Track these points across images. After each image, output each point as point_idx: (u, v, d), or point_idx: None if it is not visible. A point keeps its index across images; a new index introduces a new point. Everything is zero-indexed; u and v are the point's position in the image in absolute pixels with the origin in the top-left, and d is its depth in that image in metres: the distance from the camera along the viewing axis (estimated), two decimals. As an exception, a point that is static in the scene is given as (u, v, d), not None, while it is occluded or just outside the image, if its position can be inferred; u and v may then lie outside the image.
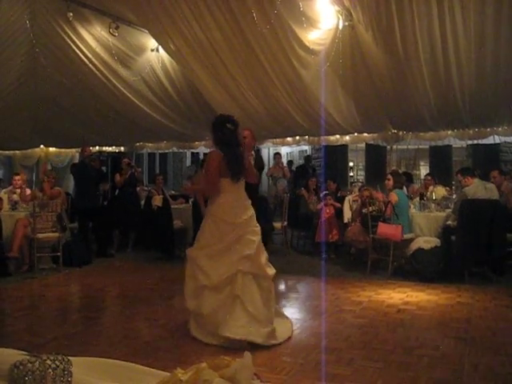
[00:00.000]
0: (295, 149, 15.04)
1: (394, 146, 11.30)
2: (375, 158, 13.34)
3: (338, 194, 9.59)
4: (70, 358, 1.25)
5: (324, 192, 9.32)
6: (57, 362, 1.25)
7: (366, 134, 10.20)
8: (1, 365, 1.11)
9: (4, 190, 9.45)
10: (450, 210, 7.56)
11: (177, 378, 0.98)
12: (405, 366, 3.84)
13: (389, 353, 4.13)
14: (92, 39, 9.06)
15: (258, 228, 4.68)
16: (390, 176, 7.77)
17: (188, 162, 15.70)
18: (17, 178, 9.32)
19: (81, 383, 1.25)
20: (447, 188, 8.67)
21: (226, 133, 4.63)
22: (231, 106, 9.04)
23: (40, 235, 7.70)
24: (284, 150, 15.64)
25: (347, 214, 8.53)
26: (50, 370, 1.19)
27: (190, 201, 8.52)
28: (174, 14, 7.64)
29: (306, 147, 14.40)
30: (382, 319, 5.13)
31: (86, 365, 1.29)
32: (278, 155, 12.41)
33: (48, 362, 1.23)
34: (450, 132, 9.66)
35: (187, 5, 7.41)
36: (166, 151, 14.24)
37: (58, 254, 7.80)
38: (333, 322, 5.06)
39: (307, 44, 7.47)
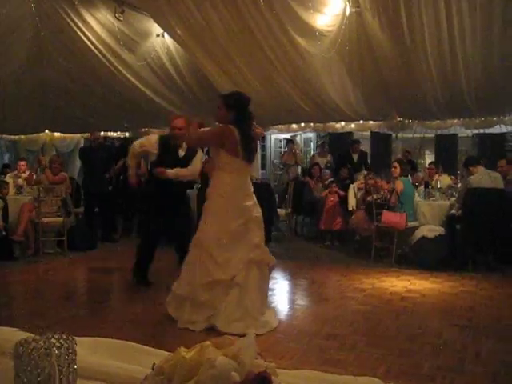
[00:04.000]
0: (300, 136, 14.95)
1: (400, 135, 11.29)
2: (380, 146, 13.28)
3: (348, 181, 9.42)
4: (74, 337, 1.25)
5: (329, 179, 9.30)
6: (61, 340, 1.25)
7: (371, 122, 10.17)
8: (6, 343, 1.12)
9: (9, 175, 9.47)
10: (454, 199, 7.55)
11: (180, 355, 0.99)
12: (407, 352, 3.85)
13: (392, 340, 4.15)
14: (97, 24, 9.03)
15: (261, 214, 4.62)
16: (396, 164, 7.74)
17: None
18: (21, 162, 9.34)
19: (85, 362, 1.26)
20: (452, 177, 8.64)
21: (247, 113, 4.52)
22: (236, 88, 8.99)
23: (45, 219, 7.73)
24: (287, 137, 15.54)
25: (352, 202, 8.52)
26: (54, 349, 1.19)
27: (195, 186, 8.51)
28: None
29: (310, 134, 14.34)
30: (385, 306, 5.14)
31: (90, 344, 1.30)
32: (291, 142, 12.08)
33: (53, 340, 1.23)
34: (455, 121, 9.63)
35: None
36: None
37: (63, 238, 7.83)
38: (336, 308, 5.08)
39: (313, 30, 7.42)
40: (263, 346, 3.86)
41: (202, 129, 4.84)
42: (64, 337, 1.26)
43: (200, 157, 6.04)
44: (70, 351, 1.20)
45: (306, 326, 4.53)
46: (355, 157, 10.26)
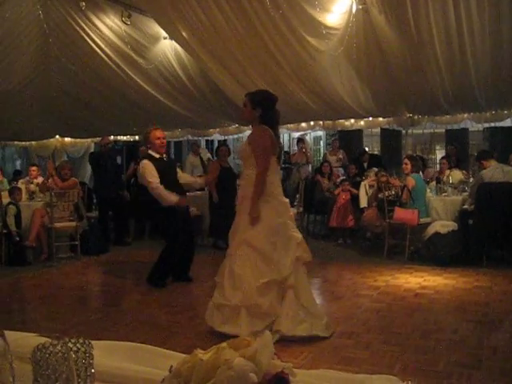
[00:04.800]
0: (310, 134, 14.92)
1: (410, 131, 11.24)
2: (390, 142, 13.25)
3: (357, 179, 9.40)
4: (91, 341, 1.26)
5: (341, 177, 9.28)
6: (78, 344, 1.26)
7: (381, 119, 10.13)
8: (24, 348, 1.13)
9: (21, 181, 9.55)
10: (466, 194, 7.50)
11: (197, 357, 0.99)
12: (423, 349, 3.83)
13: (407, 337, 4.13)
14: (105, 28, 9.06)
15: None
16: (407, 160, 7.72)
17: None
18: (33, 168, 9.41)
19: (102, 365, 1.26)
20: (464, 172, 8.59)
21: (274, 112, 4.49)
22: (242, 93, 9.00)
23: (57, 224, 7.77)
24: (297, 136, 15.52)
25: (363, 199, 8.49)
26: (71, 353, 1.20)
27: (206, 188, 8.52)
28: (178, 2, 7.63)
29: (320, 132, 14.33)
30: (399, 303, 5.12)
31: (106, 348, 1.30)
32: (301, 141, 12.02)
33: (70, 344, 1.23)
34: (466, 115, 9.56)
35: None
36: (181, 139, 14.27)
37: (76, 242, 7.87)
38: (350, 306, 5.07)
39: (320, 28, 7.40)
40: (278, 345, 3.86)
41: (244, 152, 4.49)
42: (81, 341, 1.27)
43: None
44: (87, 355, 1.21)
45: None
46: (366, 165, 10.27)
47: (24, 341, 1.18)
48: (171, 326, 4.56)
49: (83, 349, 1.23)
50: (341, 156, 10.70)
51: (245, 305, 4.03)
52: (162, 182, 5.77)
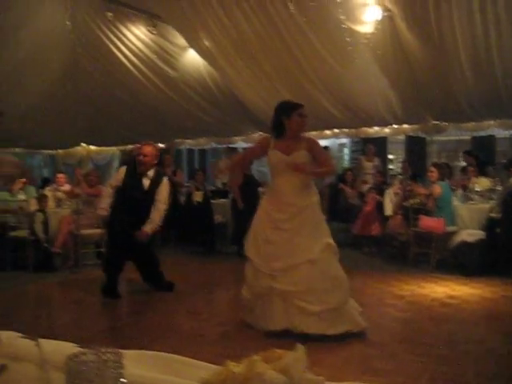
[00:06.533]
0: (334, 142, 14.84)
1: (435, 138, 11.12)
2: (415, 149, 13.11)
3: (383, 186, 9.33)
4: (120, 350, 1.27)
5: (367, 186, 9.22)
6: (108, 354, 1.27)
7: (405, 126, 10.05)
8: (57, 356, 1.15)
9: (48, 188, 9.69)
10: (494, 202, 7.38)
11: (229, 370, 0.99)
12: (450, 360, 3.78)
13: (433, 347, 4.07)
14: (131, 38, 9.21)
15: None
16: (433, 168, 7.64)
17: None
18: (60, 175, 9.55)
19: (131, 375, 1.28)
20: (491, 179, 8.46)
21: None
22: (264, 102, 9.11)
23: (84, 231, 7.86)
24: (322, 144, 15.45)
25: (388, 207, 8.43)
26: (102, 362, 1.21)
27: (230, 196, 8.56)
28: (202, 11, 7.73)
29: (344, 140, 14.25)
30: (425, 313, 5.06)
31: (135, 357, 1.31)
32: (326, 150, 11.95)
33: (100, 354, 1.25)
34: (492, 122, 9.42)
35: (217, 0, 7.49)
36: (205, 147, 14.35)
37: (102, 249, 7.95)
38: (376, 315, 5.02)
39: (347, 35, 7.41)
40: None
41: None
42: (110, 350, 1.28)
43: (166, 185, 6.00)
44: (118, 364, 1.22)
45: (346, 334, 4.48)
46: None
47: (57, 349, 1.20)
48: (197, 334, 4.57)
49: (113, 358, 1.24)
50: (376, 163, 10.57)
51: (344, 303, 4.37)
52: None
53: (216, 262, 8.22)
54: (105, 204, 6.04)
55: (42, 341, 1.05)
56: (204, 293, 6.22)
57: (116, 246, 5.98)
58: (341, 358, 3.85)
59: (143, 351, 1.32)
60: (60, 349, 1.18)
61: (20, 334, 1.28)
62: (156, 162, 6.00)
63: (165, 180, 5.98)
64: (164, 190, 5.90)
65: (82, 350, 1.14)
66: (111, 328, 4.88)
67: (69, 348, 1.19)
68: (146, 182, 5.84)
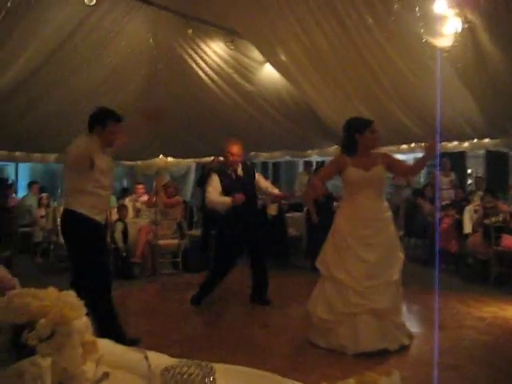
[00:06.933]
0: (410, 156, 14.53)
1: (518, 152, 10.65)
2: (496, 164, 12.60)
3: (463, 203, 9.05)
4: (212, 364, 1.32)
5: (445, 202, 8.96)
6: (201, 367, 1.32)
7: (486, 140, 9.69)
8: (155, 368, 1.20)
9: (128, 198, 10.07)
10: None
11: (326, 392, 1.01)
12: (536, 388, 3.60)
13: (517, 374, 3.90)
14: (210, 53, 9.46)
15: None
16: (516, 185, 7.35)
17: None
18: (139, 186, 9.91)
19: (222, 389, 1.31)
20: None
21: None
22: (339, 116, 9.06)
23: (161, 242, 8.10)
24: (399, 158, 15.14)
25: (467, 224, 8.14)
26: (196, 376, 1.26)
27: (305, 209, 8.57)
28: (279, 26, 7.83)
29: (420, 155, 13.91)
30: (509, 337, 4.84)
31: (226, 372, 1.35)
32: None
33: (193, 367, 1.30)
34: None
35: (294, 16, 7.55)
36: (279, 160, 14.43)
37: (178, 259, 8.16)
38: (454, 337, 4.85)
39: (425, 49, 7.29)
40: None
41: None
42: (203, 364, 1.33)
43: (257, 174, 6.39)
44: (211, 379, 1.27)
45: (423, 355, 4.37)
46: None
47: (155, 361, 1.26)
48: (270, 348, 4.59)
49: (206, 372, 1.29)
50: (453, 178, 10.24)
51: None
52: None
53: (289, 276, 8.22)
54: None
55: (148, 353, 1.10)
56: (277, 306, 6.23)
57: (230, 250, 6.13)
58: (417, 381, 3.75)
59: (232, 366, 1.35)
60: (157, 360, 1.23)
61: (118, 345, 1.35)
62: (242, 158, 6.30)
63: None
64: (260, 177, 6.35)
65: (178, 362, 1.19)
66: (186, 338, 4.98)
67: (165, 360, 1.24)
68: (241, 178, 6.14)
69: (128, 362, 1.26)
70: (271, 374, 1.37)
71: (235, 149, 6.10)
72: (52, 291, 1.54)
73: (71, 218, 4.36)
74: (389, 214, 4.67)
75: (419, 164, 4.99)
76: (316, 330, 4.64)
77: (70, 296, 1.52)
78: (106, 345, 1.42)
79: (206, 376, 1.31)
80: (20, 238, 10.40)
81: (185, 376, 1.25)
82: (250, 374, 1.33)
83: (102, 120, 4.43)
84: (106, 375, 1.23)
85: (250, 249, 6.25)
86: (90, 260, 4.36)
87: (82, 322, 1.49)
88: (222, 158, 6.23)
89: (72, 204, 4.34)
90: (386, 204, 4.70)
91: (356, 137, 4.59)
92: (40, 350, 1.34)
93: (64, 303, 1.46)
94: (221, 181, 5.99)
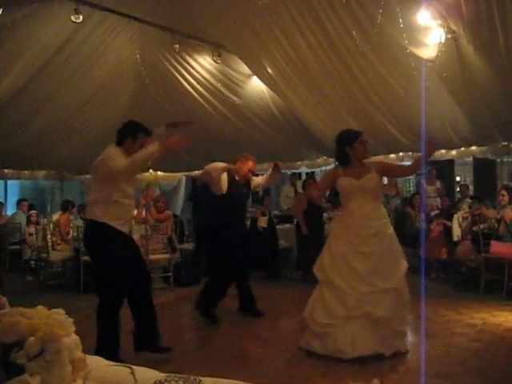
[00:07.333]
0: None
1: (505, 159, 10.78)
2: (484, 172, 12.72)
3: (451, 211, 9.14)
4: (200, 377, 1.34)
5: (435, 212, 9.03)
6: (189, 382, 1.33)
7: (473, 148, 9.80)
8: (144, 382, 1.22)
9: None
10: None
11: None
12: (527, 394, 3.63)
13: (509, 380, 3.92)
14: (197, 67, 9.53)
15: None
16: (504, 191, 7.44)
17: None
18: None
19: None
20: None
21: None
22: (327, 127, 9.17)
23: (152, 257, 8.08)
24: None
25: (456, 232, 8.20)
26: (184, 390, 1.27)
27: (295, 221, 8.60)
28: (265, 39, 7.92)
29: (408, 163, 14.02)
30: (499, 344, 4.86)
31: (213, 384, 1.36)
32: None
33: (181, 381, 1.31)
34: None
35: (279, 29, 7.65)
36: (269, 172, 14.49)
37: (169, 274, 8.14)
38: (445, 345, 4.87)
39: (410, 60, 7.39)
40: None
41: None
42: (191, 378, 1.34)
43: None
44: (198, 393, 1.28)
45: (414, 364, 4.37)
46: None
47: (144, 376, 1.27)
48: (264, 360, 4.58)
49: (194, 386, 1.30)
50: (439, 186, 10.33)
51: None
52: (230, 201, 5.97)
53: (281, 288, 8.23)
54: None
55: (135, 368, 1.12)
56: (269, 318, 6.23)
57: (236, 253, 6.08)
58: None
59: (220, 379, 1.36)
60: (146, 375, 1.25)
61: (107, 361, 1.36)
62: None
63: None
64: (252, 179, 6.37)
65: (166, 377, 1.20)
66: (180, 352, 4.95)
67: (153, 375, 1.25)
68: (245, 188, 6.21)
69: (115, 377, 1.27)
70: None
71: (252, 165, 6.23)
72: (41, 309, 1.56)
73: (97, 229, 4.34)
74: (384, 221, 4.71)
75: (417, 162, 5.04)
76: (312, 335, 4.65)
77: (59, 314, 1.53)
78: (93, 361, 1.43)
79: (194, 390, 1.31)
80: (10, 256, 10.35)
81: (174, 390, 1.26)
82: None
83: (133, 132, 4.49)
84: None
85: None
86: (114, 272, 4.35)
87: (72, 339, 1.50)
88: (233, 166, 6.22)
89: (97, 214, 4.31)
90: (382, 211, 4.77)
91: (347, 149, 4.75)
92: (29, 369, 1.35)
93: (53, 321, 1.47)
94: (229, 180, 6.01)
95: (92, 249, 4.55)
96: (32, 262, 9.75)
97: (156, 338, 4.62)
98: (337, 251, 4.65)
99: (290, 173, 12.39)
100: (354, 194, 4.68)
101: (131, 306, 4.55)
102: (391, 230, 4.77)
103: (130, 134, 4.48)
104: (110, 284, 4.41)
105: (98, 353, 4.26)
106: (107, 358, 4.13)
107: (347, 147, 4.73)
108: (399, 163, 4.89)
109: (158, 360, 4.49)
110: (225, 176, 6.00)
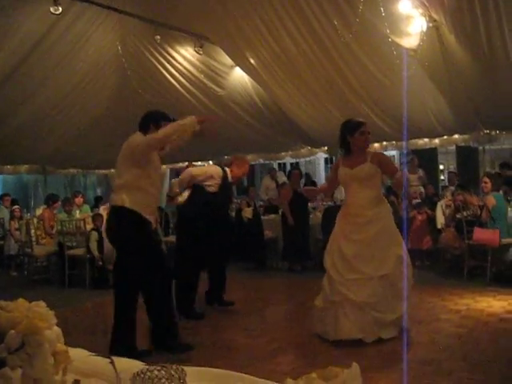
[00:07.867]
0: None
1: (487, 147, 10.87)
2: (467, 159, 12.85)
3: (435, 199, 9.21)
4: (183, 367, 1.33)
5: (416, 201, 9.09)
6: (172, 371, 1.32)
7: (456, 136, 9.88)
8: (124, 374, 1.21)
9: (102, 207, 9.97)
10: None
11: (289, 387, 1.03)
12: (509, 378, 3.67)
13: (491, 365, 3.96)
14: (179, 59, 9.46)
15: None
16: (486, 179, 7.50)
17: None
18: (113, 195, 9.83)
19: (194, 392, 1.32)
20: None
21: None
22: (310, 117, 9.16)
23: (137, 249, 8.03)
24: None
25: (440, 220, 8.27)
26: (167, 379, 1.27)
27: (280, 211, 8.61)
28: (246, 30, 7.89)
29: (393, 152, 14.12)
30: (482, 329, 4.92)
31: (197, 374, 1.36)
32: None
33: (165, 371, 1.30)
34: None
35: (261, 20, 7.62)
36: (253, 163, 14.49)
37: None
38: (430, 331, 4.93)
39: (393, 48, 7.40)
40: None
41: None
42: (174, 367, 1.34)
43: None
44: (182, 381, 1.27)
45: (399, 350, 4.42)
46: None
47: (124, 366, 1.27)
48: (250, 351, 4.59)
49: (177, 375, 1.29)
50: (421, 174, 10.40)
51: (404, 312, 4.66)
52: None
53: (267, 278, 8.25)
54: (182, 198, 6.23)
55: (115, 358, 1.11)
56: (255, 309, 6.25)
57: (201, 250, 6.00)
58: (393, 376, 3.80)
59: (204, 368, 1.36)
60: (127, 366, 1.24)
61: (89, 353, 1.36)
62: None
63: None
64: None
65: (148, 367, 1.20)
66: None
67: (135, 365, 1.25)
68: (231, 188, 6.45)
69: (94, 367, 1.27)
70: (244, 375, 1.38)
71: (247, 169, 6.35)
72: (21, 302, 1.54)
73: (124, 216, 4.26)
74: (379, 209, 4.74)
75: (399, 180, 4.81)
76: (315, 318, 4.86)
77: (40, 306, 1.52)
78: (75, 353, 1.42)
79: (178, 379, 1.31)
80: (-7, 252, 10.25)
81: (155, 380, 1.26)
82: (222, 376, 1.34)
83: (157, 120, 4.51)
84: (76, 383, 1.24)
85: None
86: (135, 260, 4.31)
87: (53, 331, 1.49)
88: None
89: (125, 201, 4.22)
90: (378, 200, 4.80)
91: (348, 138, 4.83)
92: (10, 362, 1.33)
93: (34, 314, 1.46)
94: (222, 180, 5.98)
95: (117, 237, 4.45)
96: (18, 258, 9.68)
97: (173, 337, 4.56)
98: (332, 241, 4.82)
99: (273, 164, 12.42)
100: (349, 183, 4.83)
101: (145, 298, 4.52)
102: (388, 218, 4.80)
103: (155, 122, 4.51)
104: (129, 273, 4.36)
105: (114, 341, 4.29)
106: (123, 344, 4.18)
107: (348, 136, 4.82)
108: (392, 164, 4.91)
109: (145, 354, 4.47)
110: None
